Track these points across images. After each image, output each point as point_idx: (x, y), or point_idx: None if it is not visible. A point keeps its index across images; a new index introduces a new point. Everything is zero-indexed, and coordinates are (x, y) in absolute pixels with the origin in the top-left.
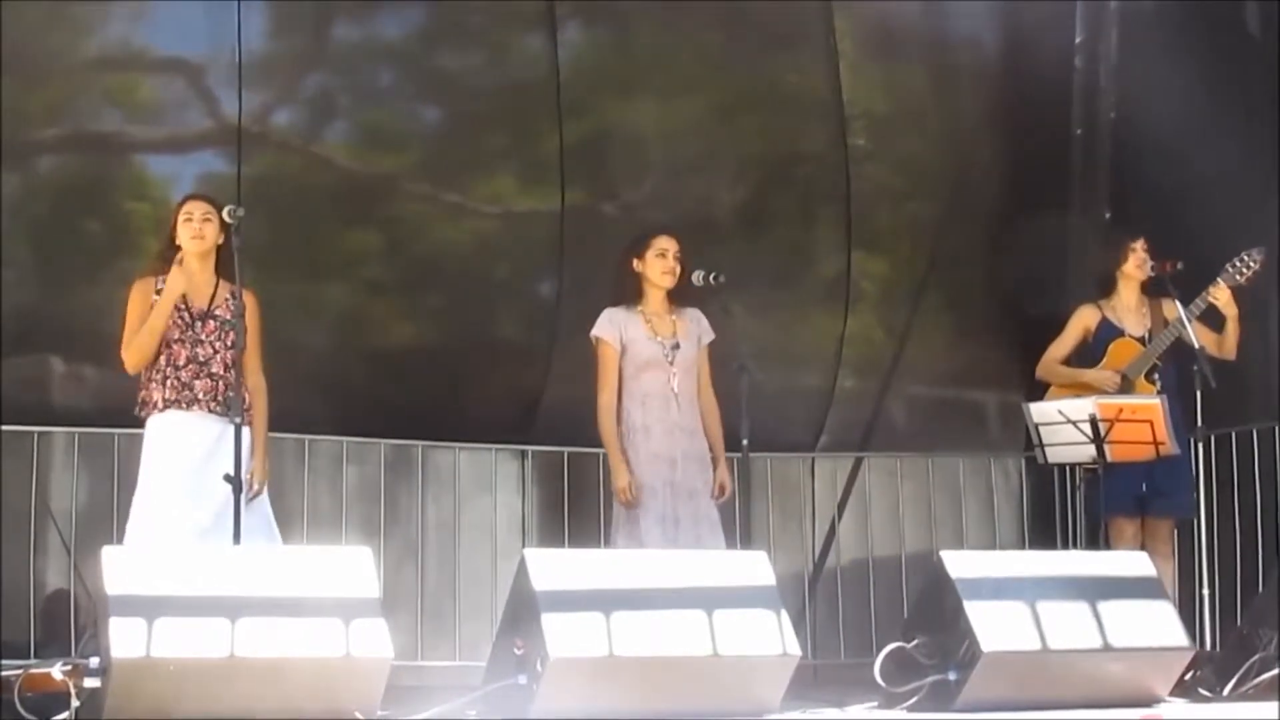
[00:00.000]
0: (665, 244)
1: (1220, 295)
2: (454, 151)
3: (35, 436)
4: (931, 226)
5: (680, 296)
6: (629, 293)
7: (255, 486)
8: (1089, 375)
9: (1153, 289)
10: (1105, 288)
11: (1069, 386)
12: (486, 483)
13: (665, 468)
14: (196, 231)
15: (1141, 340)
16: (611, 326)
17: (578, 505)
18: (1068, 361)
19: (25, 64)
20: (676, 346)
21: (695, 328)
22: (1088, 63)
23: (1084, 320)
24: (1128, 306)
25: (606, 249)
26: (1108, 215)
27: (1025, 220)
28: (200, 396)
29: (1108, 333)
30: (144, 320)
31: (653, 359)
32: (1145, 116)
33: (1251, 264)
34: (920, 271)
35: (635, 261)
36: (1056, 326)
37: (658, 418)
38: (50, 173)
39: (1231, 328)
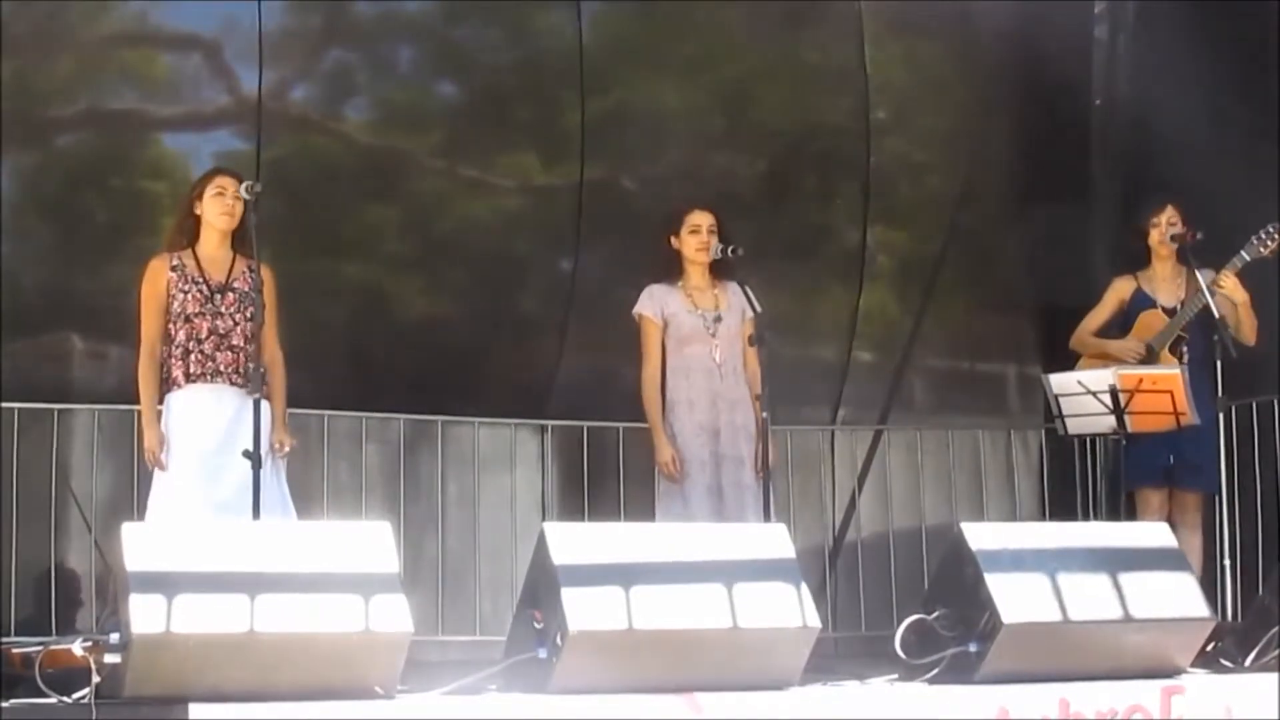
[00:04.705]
0: (698, 219)
1: (1226, 282)
2: (474, 127)
3: (55, 414)
4: (950, 199)
5: (720, 270)
6: (668, 269)
7: (285, 450)
8: (1113, 346)
9: (1185, 259)
10: (1140, 260)
11: (1096, 357)
12: (506, 457)
13: (710, 439)
14: (228, 208)
15: (1171, 312)
16: (652, 302)
17: (597, 479)
18: (1102, 332)
19: (41, 41)
20: (719, 319)
21: (738, 300)
22: (1108, 33)
23: (1119, 291)
24: (1162, 278)
25: (626, 224)
26: (1126, 188)
27: (1044, 192)
28: (223, 369)
29: (1140, 303)
30: (158, 301)
31: (694, 332)
32: (1165, 87)
33: (1277, 235)
34: (939, 244)
35: (672, 238)
36: (1075, 298)
37: (702, 390)
38: (68, 150)
39: (1244, 314)
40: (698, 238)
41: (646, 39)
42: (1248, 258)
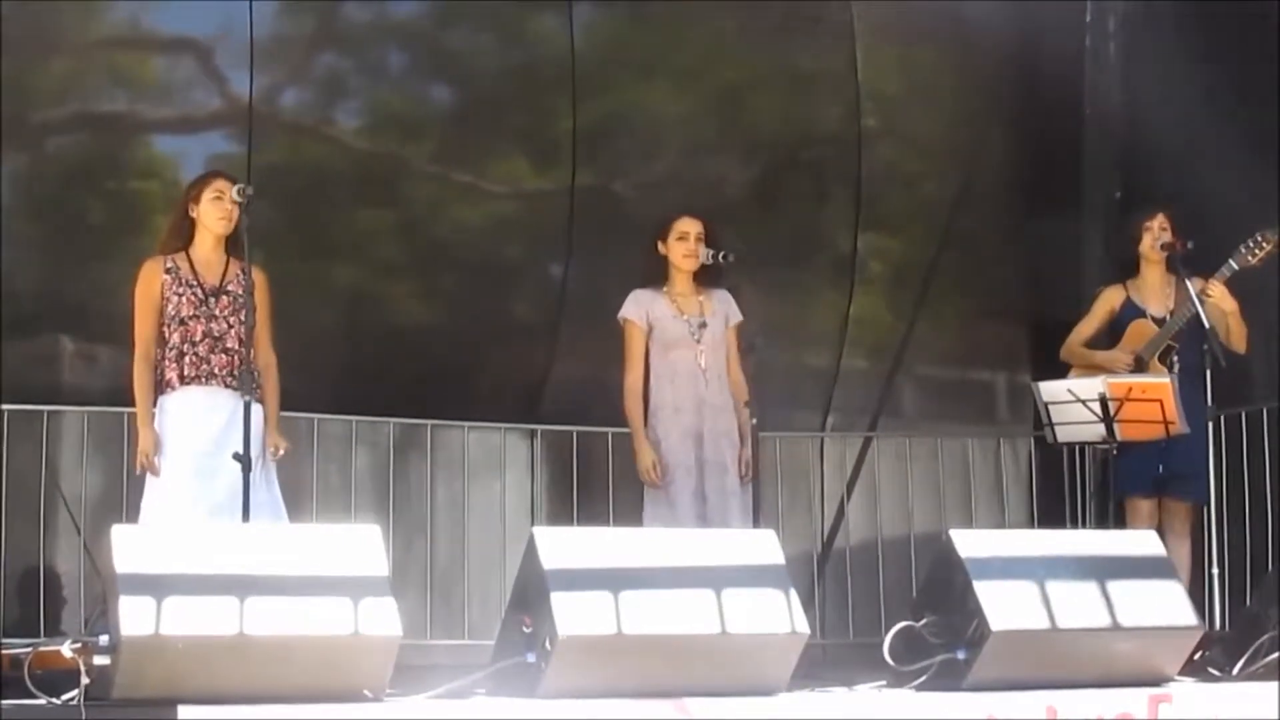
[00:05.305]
0: (686, 226)
1: (1214, 291)
2: (465, 132)
3: (45, 416)
4: (942, 207)
5: (706, 277)
6: (655, 275)
7: (279, 454)
8: (1101, 356)
9: (1175, 268)
10: (1130, 269)
11: (1085, 367)
12: (495, 462)
13: (695, 445)
14: (226, 213)
15: (1160, 321)
16: (637, 307)
17: (586, 484)
18: (1092, 343)
19: (33, 43)
20: (704, 325)
21: (723, 307)
22: (1099, 43)
23: (1109, 301)
24: (1152, 287)
25: (617, 229)
26: (1118, 195)
27: (1036, 200)
28: (217, 371)
29: (1130, 313)
30: (153, 304)
31: (680, 337)
32: (1158, 95)
33: (1265, 244)
34: (930, 252)
35: (660, 244)
36: (1066, 306)
37: (687, 395)
38: (59, 152)
39: (1234, 323)
40: (685, 244)
41: (639, 45)
42: (1236, 266)
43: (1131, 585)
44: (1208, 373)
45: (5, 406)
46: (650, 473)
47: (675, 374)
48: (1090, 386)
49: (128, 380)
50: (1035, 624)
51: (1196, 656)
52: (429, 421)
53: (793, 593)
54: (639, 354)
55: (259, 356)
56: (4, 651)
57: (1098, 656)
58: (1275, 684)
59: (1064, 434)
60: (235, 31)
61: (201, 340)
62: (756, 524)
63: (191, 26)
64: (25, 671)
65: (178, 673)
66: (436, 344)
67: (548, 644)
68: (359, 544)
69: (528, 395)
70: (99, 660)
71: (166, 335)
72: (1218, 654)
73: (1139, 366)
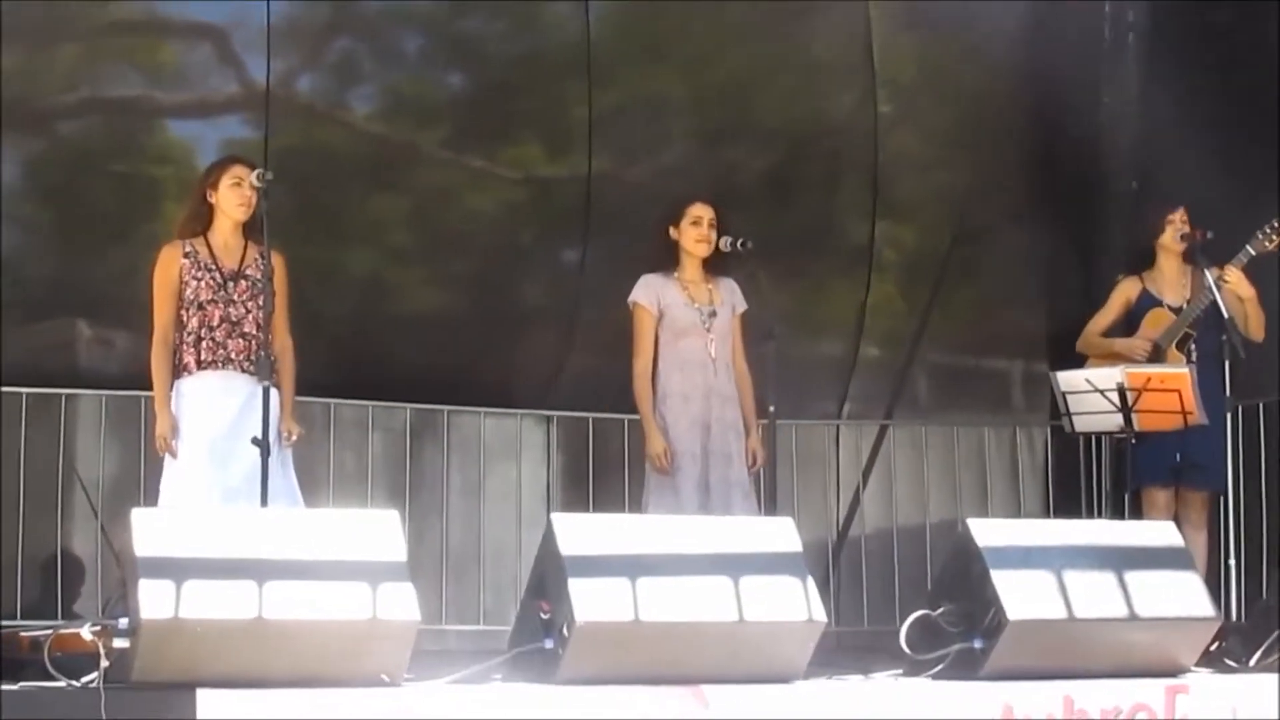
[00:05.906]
0: (700, 211)
1: (1231, 276)
2: (480, 118)
3: (63, 400)
4: (958, 195)
5: (715, 264)
6: (665, 260)
7: (292, 438)
8: (1119, 344)
9: (1193, 258)
10: (1146, 260)
11: (1103, 357)
12: (511, 448)
13: (702, 433)
14: (246, 199)
15: (1178, 311)
16: (649, 291)
17: (602, 471)
18: (1109, 333)
19: (47, 27)
20: (713, 313)
21: (730, 296)
22: (1118, 33)
23: (1125, 292)
24: (1169, 277)
25: (632, 216)
26: (1135, 185)
27: (1052, 189)
28: (234, 356)
29: (1146, 303)
30: (171, 288)
31: (690, 325)
32: (1173, 90)
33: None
34: (946, 240)
35: (671, 229)
36: (1081, 296)
37: (696, 384)
38: (73, 137)
39: (1251, 309)
40: (698, 230)
41: (653, 32)
42: (1253, 252)
43: (1149, 576)
44: (1226, 362)
45: (23, 390)
46: (660, 459)
47: (684, 362)
48: (1108, 376)
49: (144, 364)
50: (1052, 614)
51: (1213, 648)
52: (445, 407)
53: (810, 580)
54: (649, 339)
55: (275, 341)
56: (24, 634)
57: (1114, 647)
58: None
59: (1081, 424)
60: (252, 16)
61: (219, 325)
62: (774, 511)
63: (208, 11)
64: (45, 654)
65: (196, 656)
66: (451, 330)
67: (565, 630)
68: (377, 529)
69: (544, 381)
70: (118, 643)
71: (184, 319)
72: (1234, 645)
73: (1156, 354)
